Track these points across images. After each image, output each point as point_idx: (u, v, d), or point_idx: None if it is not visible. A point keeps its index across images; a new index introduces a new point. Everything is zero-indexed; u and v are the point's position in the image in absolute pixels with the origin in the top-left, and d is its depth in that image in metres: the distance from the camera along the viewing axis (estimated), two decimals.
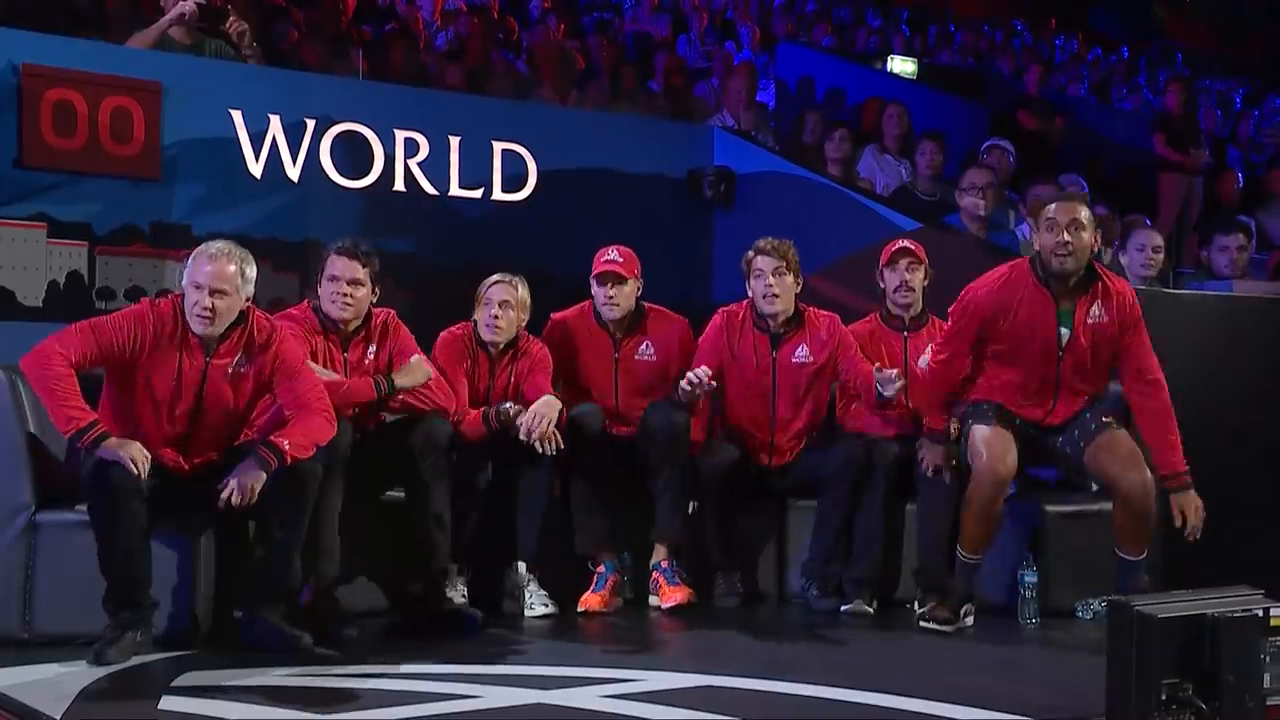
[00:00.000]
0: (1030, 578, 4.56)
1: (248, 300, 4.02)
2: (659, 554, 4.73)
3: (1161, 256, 6.10)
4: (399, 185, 5.76)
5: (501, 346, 4.74)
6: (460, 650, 4.04)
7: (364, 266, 4.37)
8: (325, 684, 3.63)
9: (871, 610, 4.71)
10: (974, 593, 4.57)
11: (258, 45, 6.06)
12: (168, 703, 3.41)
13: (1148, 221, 6.92)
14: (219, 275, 3.90)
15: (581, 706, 3.40)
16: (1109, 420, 4.53)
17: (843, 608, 4.73)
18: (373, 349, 4.47)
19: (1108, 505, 4.77)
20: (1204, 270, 6.59)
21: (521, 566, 4.61)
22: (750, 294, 4.92)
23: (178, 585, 4.09)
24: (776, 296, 4.83)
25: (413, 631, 4.36)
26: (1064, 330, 4.49)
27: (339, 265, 4.36)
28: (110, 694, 3.54)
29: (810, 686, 3.60)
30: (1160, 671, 3.11)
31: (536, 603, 4.57)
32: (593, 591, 4.65)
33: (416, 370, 4.40)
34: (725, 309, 5.05)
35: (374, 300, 4.47)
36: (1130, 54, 16.30)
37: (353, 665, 3.82)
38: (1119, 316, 4.52)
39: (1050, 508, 4.73)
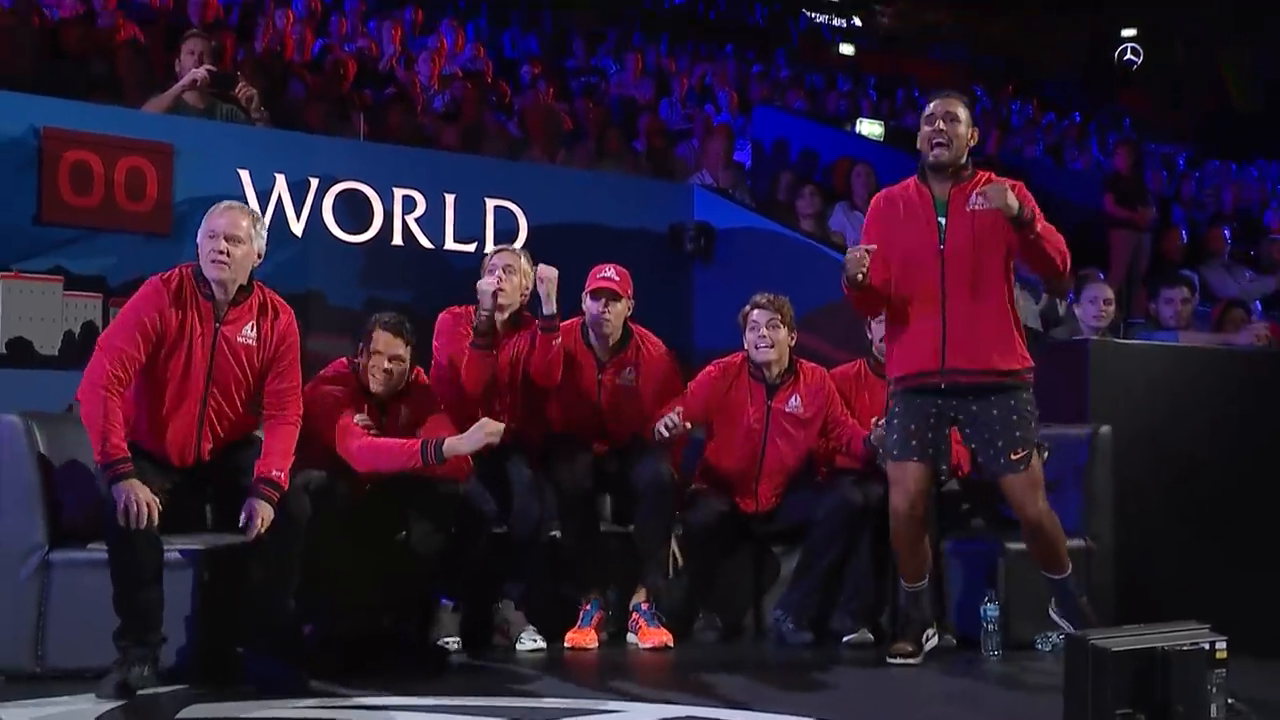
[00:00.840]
0: (992, 612, 4.53)
1: (259, 256, 4.02)
2: (640, 596, 4.70)
3: (1113, 308, 6.15)
4: (397, 240, 5.78)
5: (507, 318, 4.71)
6: (452, 683, 4.03)
7: (406, 344, 4.38)
8: (322, 716, 3.59)
9: (873, 639, 4.68)
10: (930, 617, 4.50)
11: (265, 109, 6.10)
12: None
13: (1100, 275, 6.96)
14: (233, 224, 3.93)
15: None
16: (1019, 458, 4.21)
17: (845, 638, 4.69)
18: (405, 411, 4.46)
19: (1070, 542, 4.73)
20: (1152, 321, 6.64)
21: (511, 604, 4.57)
22: (746, 345, 4.90)
23: (184, 621, 4.04)
24: (770, 348, 4.81)
25: (406, 664, 4.31)
26: (941, 220, 4.23)
27: (382, 341, 4.34)
28: None
29: (784, 717, 3.57)
30: (1114, 702, 3.11)
31: (525, 637, 4.53)
32: (579, 628, 4.63)
33: (474, 438, 4.25)
34: (721, 361, 5.00)
35: (410, 377, 4.48)
36: (1081, 119, 16.49)
37: (348, 698, 3.78)
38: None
39: (1011, 546, 4.71)
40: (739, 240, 6.57)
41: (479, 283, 4.64)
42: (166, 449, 3.99)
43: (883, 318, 4.53)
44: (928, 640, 4.45)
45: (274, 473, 3.92)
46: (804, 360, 5.00)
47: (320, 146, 5.92)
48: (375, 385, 4.35)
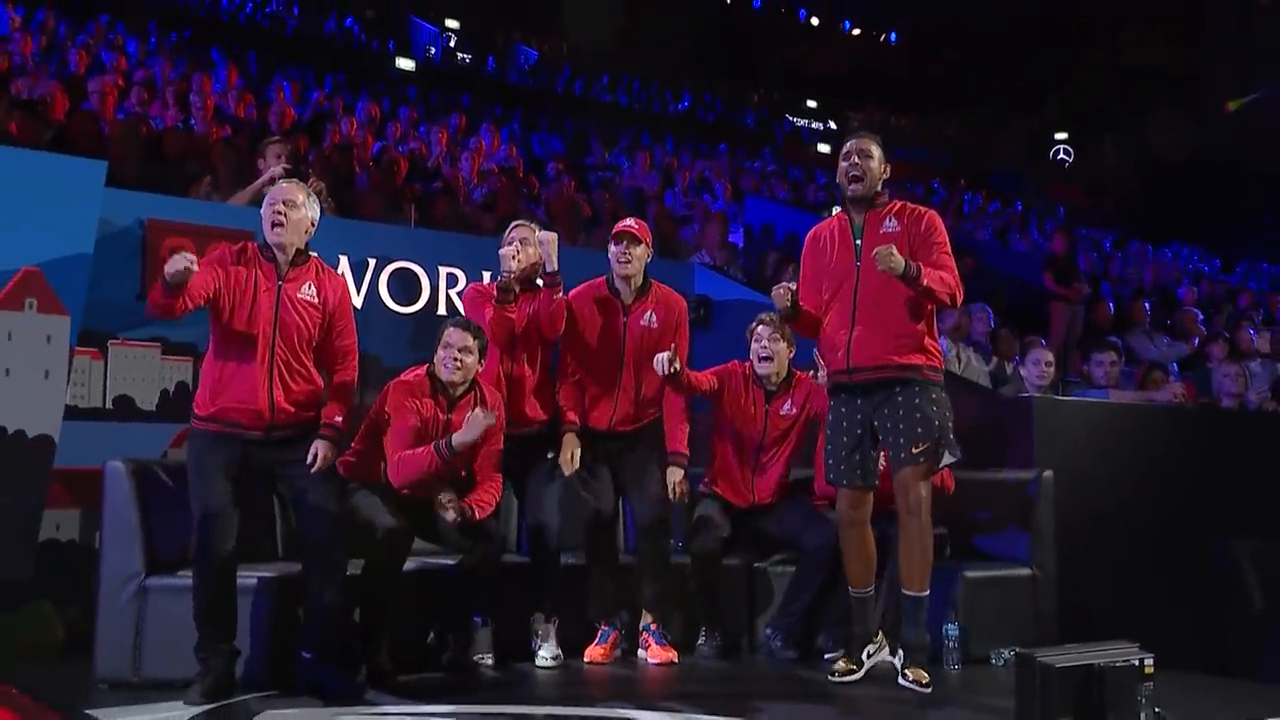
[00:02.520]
0: (953, 631, 4.51)
1: (312, 224, 4.02)
2: (648, 618, 4.62)
3: (1053, 369, 6.15)
4: (441, 310, 5.79)
5: (521, 286, 4.64)
6: (484, 694, 3.99)
7: (475, 339, 4.35)
8: None
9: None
10: (873, 631, 4.26)
11: (332, 200, 6.15)
12: None
13: (1042, 341, 6.98)
14: (289, 192, 3.99)
15: None
16: (920, 451, 4.00)
17: (827, 655, 4.56)
18: (477, 412, 4.29)
19: (1019, 570, 4.78)
20: (1085, 380, 6.64)
21: (539, 619, 4.50)
22: (750, 356, 4.86)
23: (257, 637, 4.04)
24: (770, 360, 4.77)
25: (447, 676, 4.25)
26: (858, 242, 4.10)
27: (454, 335, 4.32)
28: None
29: None
30: (1058, 711, 3.11)
31: (548, 653, 4.44)
32: (596, 644, 4.57)
33: (472, 426, 4.17)
34: (728, 366, 4.91)
35: (479, 370, 4.43)
36: (1022, 208, 16.58)
37: (397, 705, 3.77)
38: (910, 227, 4.08)
39: (969, 574, 4.70)
40: (733, 310, 6.58)
41: (500, 250, 4.61)
42: (244, 402, 3.88)
43: None
44: (869, 656, 4.22)
45: (335, 418, 3.98)
46: (800, 371, 4.95)
47: (377, 232, 5.95)
48: (446, 374, 4.29)
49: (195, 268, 3.67)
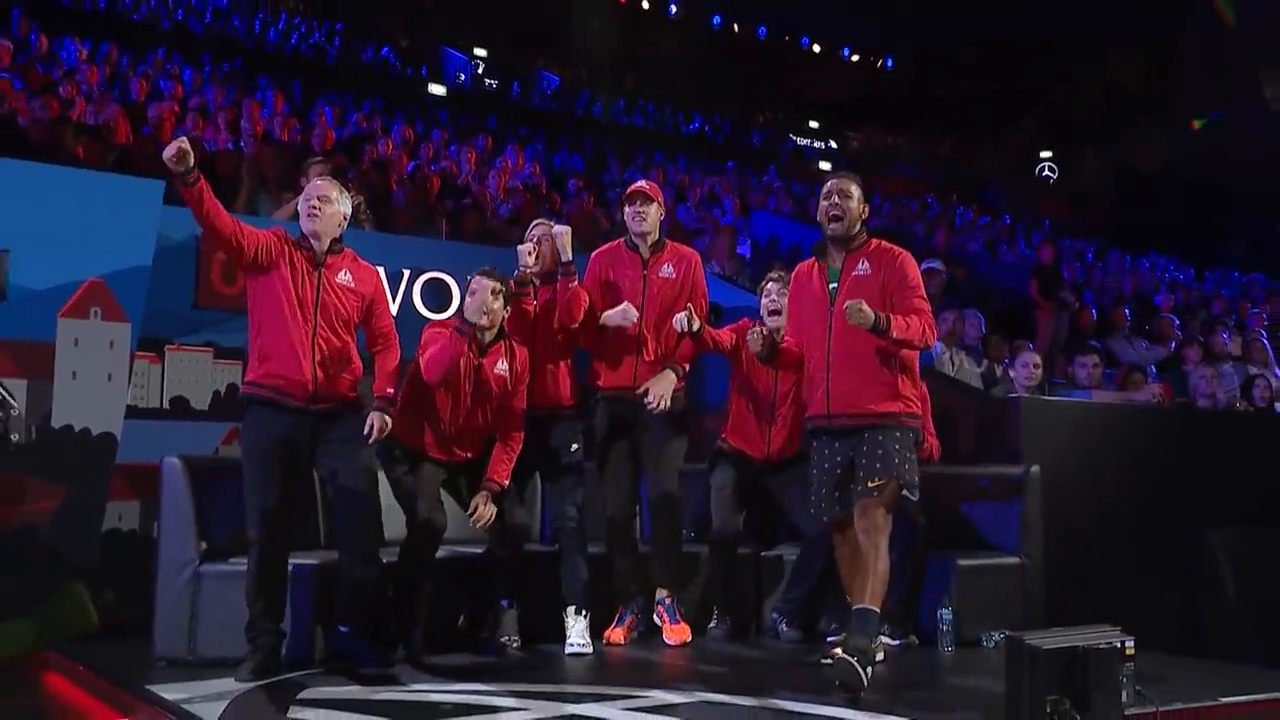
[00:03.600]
0: (947, 615, 4.50)
1: (345, 217, 4.03)
2: (662, 592, 4.58)
3: (1040, 371, 6.13)
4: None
5: (541, 280, 4.61)
6: (512, 673, 3.99)
7: (501, 283, 4.34)
8: (411, 698, 3.59)
9: (893, 642, 4.53)
10: (874, 645, 3.79)
11: (370, 213, 6.16)
12: (295, 711, 3.39)
13: (1030, 345, 6.95)
14: (323, 188, 4.01)
15: (603, 717, 3.35)
16: (875, 485, 3.81)
17: (829, 637, 4.50)
18: (503, 364, 4.37)
19: (1008, 559, 4.75)
20: (1070, 382, 6.61)
21: (571, 610, 4.40)
22: (761, 312, 4.73)
23: (302, 619, 4.06)
24: (778, 314, 4.60)
25: (476, 657, 4.25)
26: (833, 286, 3.95)
27: (480, 283, 4.29)
28: (252, 704, 3.52)
29: (783, 701, 3.55)
30: (1045, 690, 3.09)
31: (576, 637, 4.35)
32: (615, 626, 4.55)
33: (480, 293, 4.22)
34: (743, 323, 4.76)
35: (505, 316, 4.40)
36: (1011, 220, 16.50)
37: (430, 684, 3.77)
38: (885, 269, 3.90)
39: (962, 562, 4.68)
40: (741, 316, 6.54)
41: (519, 248, 4.57)
42: (288, 370, 3.85)
43: None
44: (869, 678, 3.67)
45: (388, 390, 4.00)
46: None
47: (411, 245, 5.97)
48: (473, 315, 4.25)
49: (187, 145, 3.61)
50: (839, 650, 3.81)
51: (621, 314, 4.50)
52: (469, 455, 4.41)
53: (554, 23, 21.91)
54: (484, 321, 4.30)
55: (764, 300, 4.78)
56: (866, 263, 3.93)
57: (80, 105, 7.92)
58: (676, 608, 4.60)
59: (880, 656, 3.98)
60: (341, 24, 18.75)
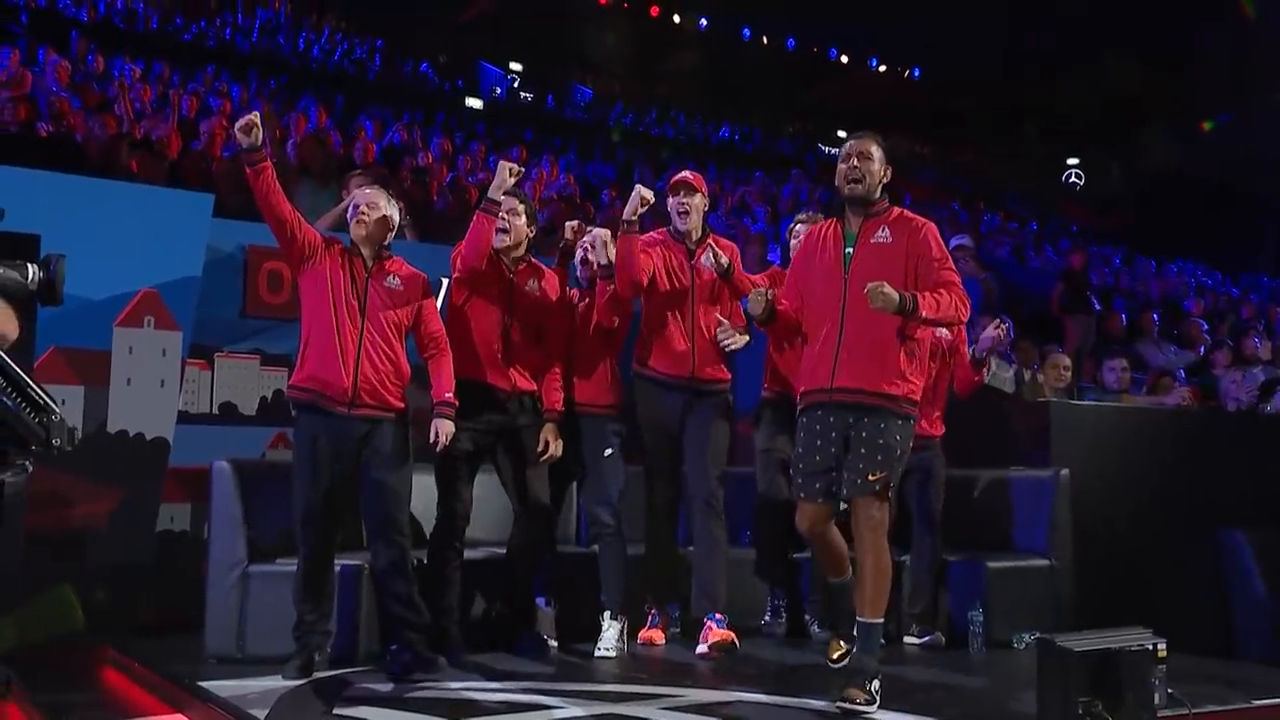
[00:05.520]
0: (978, 617, 4.45)
1: (394, 224, 4.01)
2: (707, 605, 4.28)
3: (1070, 374, 6.07)
4: None
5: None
6: (550, 673, 3.97)
7: (521, 203, 4.29)
8: (453, 697, 3.59)
9: (920, 640, 4.49)
10: (876, 668, 3.48)
11: (411, 219, 6.17)
12: (341, 708, 3.41)
13: (1059, 349, 6.87)
14: (373, 194, 4.01)
15: (643, 716, 3.34)
16: (875, 479, 3.46)
17: (923, 639, 4.51)
18: (533, 283, 4.29)
19: (1038, 561, 4.68)
20: (1099, 386, 6.53)
21: (607, 615, 4.30)
22: (793, 255, 4.29)
23: (347, 618, 4.07)
24: None
25: (513, 656, 4.19)
26: (848, 251, 3.57)
27: (507, 203, 4.17)
28: (300, 701, 3.53)
29: (815, 700, 3.50)
30: (1078, 691, 3.04)
31: (610, 640, 4.22)
32: (648, 628, 4.46)
33: (501, 173, 4.03)
34: (773, 270, 4.60)
35: (530, 235, 4.29)
36: (1037, 226, 16.33)
37: (472, 682, 3.77)
38: (907, 239, 3.52)
39: (992, 564, 4.63)
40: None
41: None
42: (328, 376, 3.81)
43: None
44: (878, 692, 3.42)
45: (446, 395, 3.93)
46: None
47: (448, 252, 5.98)
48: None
49: (258, 119, 3.69)
50: (834, 651, 3.71)
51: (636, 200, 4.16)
52: (528, 388, 4.25)
53: (588, 37, 21.99)
54: (508, 240, 4.20)
55: (793, 241, 4.57)
56: (887, 230, 3.55)
57: (134, 122, 8.04)
58: (723, 620, 4.27)
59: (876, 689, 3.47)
60: (382, 40, 18.90)
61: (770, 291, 3.70)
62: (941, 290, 3.44)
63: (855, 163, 3.58)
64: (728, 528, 4.41)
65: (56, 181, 4.69)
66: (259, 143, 3.72)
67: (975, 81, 23.17)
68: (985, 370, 4.69)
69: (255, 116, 3.69)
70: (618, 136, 17.94)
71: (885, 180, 3.64)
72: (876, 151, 3.61)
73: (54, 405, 2.42)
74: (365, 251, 3.97)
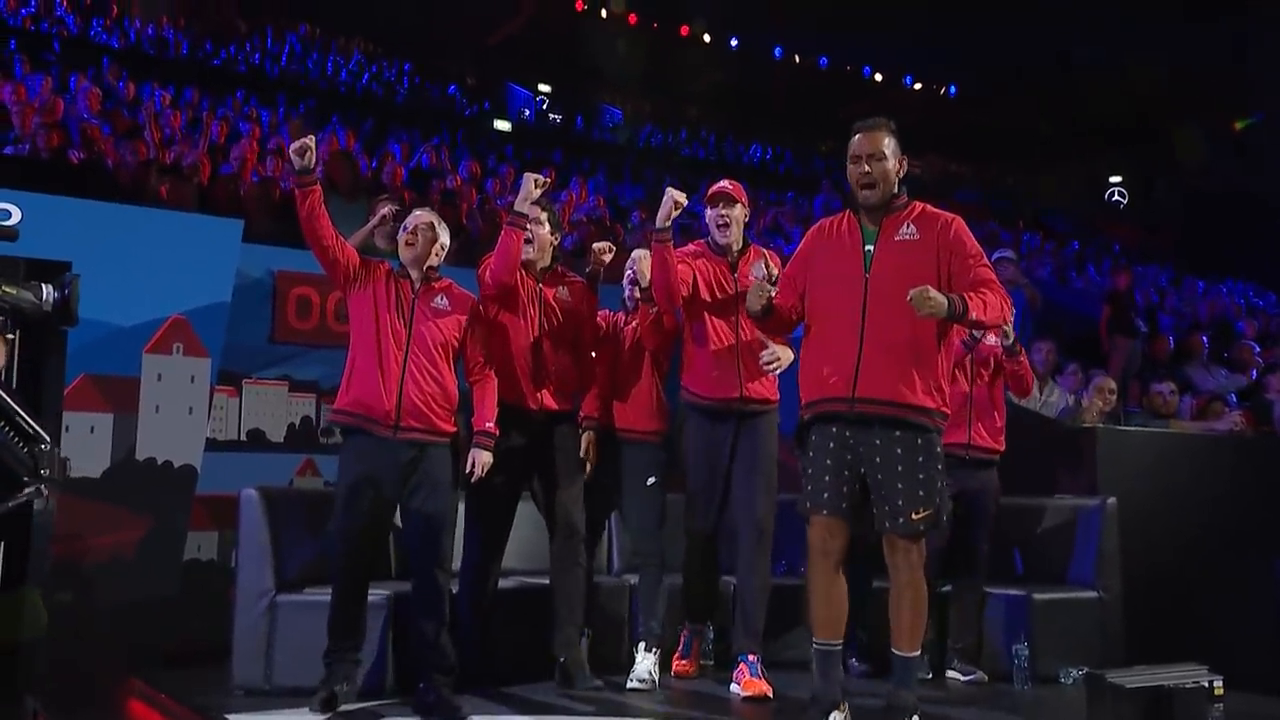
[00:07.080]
0: (1023, 651, 4.38)
1: (443, 248, 4.02)
2: (745, 645, 4.15)
3: (1115, 398, 5.99)
4: None
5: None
6: (585, 704, 3.95)
7: (544, 211, 4.29)
8: None
9: (964, 677, 4.45)
10: (839, 696, 3.38)
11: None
12: None
13: (1104, 372, 6.79)
14: (423, 216, 4.03)
15: None
16: (920, 518, 3.25)
17: (967, 678, 4.47)
18: (563, 290, 4.27)
19: (1085, 593, 4.60)
20: (1146, 411, 6.45)
21: (642, 645, 4.27)
22: None
23: (375, 648, 4.06)
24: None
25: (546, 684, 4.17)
26: (869, 248, 3.34)
27: (530, 213, 4.18)
28: None
29: None
30: None
31: (643, 673, 4.16)
32: (680, 655, 4.41)
33: (526, 185, 4.09)
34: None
35: (555, 243, 4.30)
36: (1079, 245, 16.21)
37: (503, 714, 3.76)
38: (937, 236, 3.30)
39: (1037, 596, 4.56)
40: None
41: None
42: (371, 399, 3.79)
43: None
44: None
45: (486, 425, 3.92)
46: None
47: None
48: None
49: (312, 143, 3.75)
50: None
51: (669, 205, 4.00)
52: (562, 407, 4.21)
53: (616, 58, 22.15)
54: (532, 251, 4.19)
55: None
56: (913, 226, 3.33)
57: (163, 148, 8.18)
58: (759, 665, 4.15)
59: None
60: (410, 64, 19.16)
61: (773, 288, 3.53)
62: (983, 290, 3.23)
63: (866, 167, 3.36)
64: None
65: (87, 208, 4.76)
66: (311, 165, 3.79)
67: (1012, 98, 23.08)
68: (1019, 353, 4.56)
69: (310, 140, 3.76)
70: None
71: (901, 174, 3.41)
72: (889, 146, 3.37)
73: (44, 435, 2.46)
74: (413, 273, 3.99)
